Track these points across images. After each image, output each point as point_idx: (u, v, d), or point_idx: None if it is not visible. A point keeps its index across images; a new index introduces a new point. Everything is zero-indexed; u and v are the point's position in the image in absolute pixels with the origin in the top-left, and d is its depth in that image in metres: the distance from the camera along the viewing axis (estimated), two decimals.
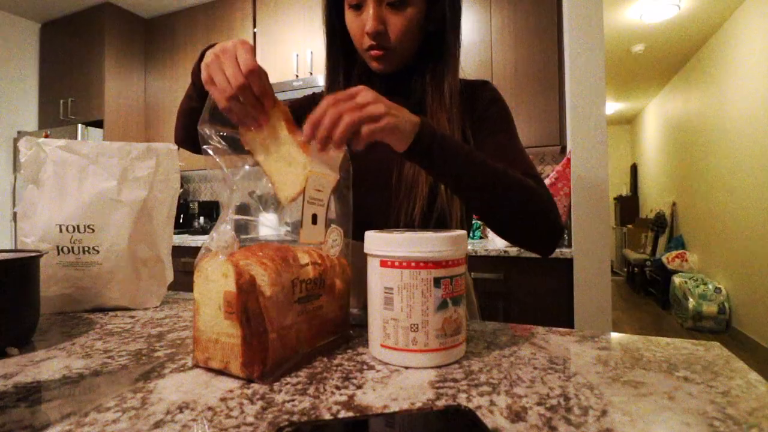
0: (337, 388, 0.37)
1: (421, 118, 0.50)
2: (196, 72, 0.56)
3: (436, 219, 0.68)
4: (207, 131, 0.47)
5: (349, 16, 0.66)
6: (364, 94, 0.46)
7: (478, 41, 2.16)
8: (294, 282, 0.43)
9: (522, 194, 0.55)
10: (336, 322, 0.49)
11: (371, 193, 0.71)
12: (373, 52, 0.65)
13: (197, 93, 0.60)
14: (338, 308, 0.50)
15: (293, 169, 0.51)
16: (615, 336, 0.51)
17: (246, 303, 0.38)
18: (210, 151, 0.47)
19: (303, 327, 0.44)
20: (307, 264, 0.45)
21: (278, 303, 0.41)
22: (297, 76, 2.52)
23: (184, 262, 2.33)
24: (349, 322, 0.53)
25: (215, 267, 0.40)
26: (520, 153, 0.65)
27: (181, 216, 3.05)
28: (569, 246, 1.80)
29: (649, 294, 4.98)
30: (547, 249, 0.60)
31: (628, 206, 6.77)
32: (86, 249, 0.67)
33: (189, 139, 0.67)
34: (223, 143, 0.47)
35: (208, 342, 0.41)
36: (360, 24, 0.65)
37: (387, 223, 0.69)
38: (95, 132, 2.88)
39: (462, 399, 0.34)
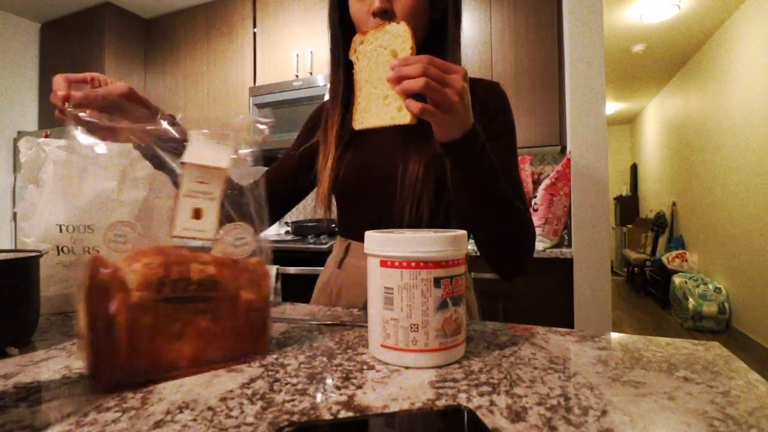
0: (337, 388, 0.37)
1: (474, 123, 0.52)
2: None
3: (443, 218, 0.68)
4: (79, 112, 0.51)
5: (354, 4, 0.66)
6: (457, 77, 0.47)
7: (478, 41, 2.16)
8: (164, 280, 0.39)
9: (518, 224, 0.61)
10: (236, 338, 0.43)
11: (377, 192, 0.71)
12: None
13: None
14: (240, 320, 0.43)
15: (384, 104, 0.52)
16: (615, 336, 0.51)
17: (97, 304, 0.36)
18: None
19: (174, 332, 0.39)
20: (192, 262, 0.41)
21: (139, 305, 0.37)
22: (297, 76, 2.52)
23: None
24: (267, 343, 0.46)
25: (84, 264, 0.37)
26: (518, 180, 0.67)
27: None
28: (569, 246, 1.80)
29: (649, 294, 4.98)
30: (514, 276, 0.66)
31: (628, 206, 6.77)
32: (86, 249, 0.67)
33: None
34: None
35: (80, 343, 0.39)
36: (364, 8, 0.64)
37: (392, 222, 0.68)
38: None
39: (462, 399, 0.34)
